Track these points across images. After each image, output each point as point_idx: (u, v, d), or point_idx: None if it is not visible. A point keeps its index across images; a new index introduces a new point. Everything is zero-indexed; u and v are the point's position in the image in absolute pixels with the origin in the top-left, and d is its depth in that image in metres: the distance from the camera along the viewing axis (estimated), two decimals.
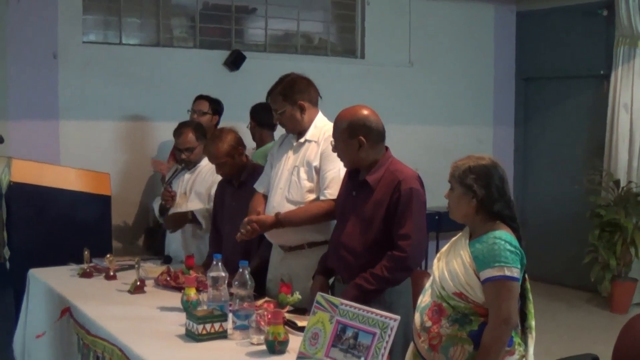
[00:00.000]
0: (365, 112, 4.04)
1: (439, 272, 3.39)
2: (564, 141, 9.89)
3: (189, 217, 5.46)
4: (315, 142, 4.54)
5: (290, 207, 4.47)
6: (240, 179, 5.07)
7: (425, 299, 3.47)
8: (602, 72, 9.34)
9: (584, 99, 9.73)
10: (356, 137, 3.97)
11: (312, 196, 4.46)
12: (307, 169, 4.50)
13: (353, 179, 4.15)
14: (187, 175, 5.64)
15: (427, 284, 3.52)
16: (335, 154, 4.14)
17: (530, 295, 3.41)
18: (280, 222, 4.39)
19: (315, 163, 4.47)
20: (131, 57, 7.54)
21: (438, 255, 3.51)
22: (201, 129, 5.66)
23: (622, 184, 8.82)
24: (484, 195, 3.29)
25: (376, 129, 4.02)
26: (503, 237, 3.25)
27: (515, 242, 3.27)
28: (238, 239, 4.45)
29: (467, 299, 3.26)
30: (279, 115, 4.56)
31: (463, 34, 9.80)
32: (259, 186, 4.80)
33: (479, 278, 3.23)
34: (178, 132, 5.63)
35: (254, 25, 8.63)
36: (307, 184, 4.48)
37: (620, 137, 9.02)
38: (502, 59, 10.25)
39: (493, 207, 3.31)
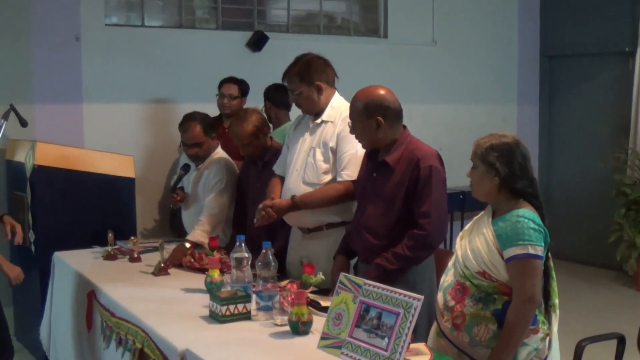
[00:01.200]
0: (381, 91, 4.02)
1: (462, 251, 3.37)
2: (589, 119, 9.81)
3: (186, 249, 5.05)
4: (332, 122, 4.52)
5: (306, 189, 4.46)
6: (265, 159, 5.06)
7: (447, 278, 3.46)
8: (627, 49, 9.24)
9: (609, 77, 9.65)
10: (374, 117, 3.95)
11: (328, 177, 4.44)
12: (323, 150, 4.48)
13: (372, 160, 4.14)
14: (194, 174, 5.52)
15: (450, 263, 3.51)
16: (353, 135, 4.12)
17: (553, 274, 3.39)
18: (297, 204, 4.39)
19: (332, 144, 4.45)
20: (153, 39, 7.55)
21: (461, 234, 3.50)
22: (208, 122, 5.50)
23: None
24: (507, 173, 3.27)
25: (393, 108, 4.00)
26: (526, 215, 3.23)
27: (538, 220, 3.25)
28: (256, 225, 4.46)
29: (490, 277, 3.25)
30: (296, 96, 4.53)
31: (486, 12, 9.73)
32: (277, 168, 4.80)
33: (502, 257, 3.21)
34: (183, 127, 5.42)
35: (276, 5, 8.61)
36: (324, 166, 4.46)
37: None
38: (526, 37, 10.17)
39: (516, 185, 3.29)
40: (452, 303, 3.34)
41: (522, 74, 10.17)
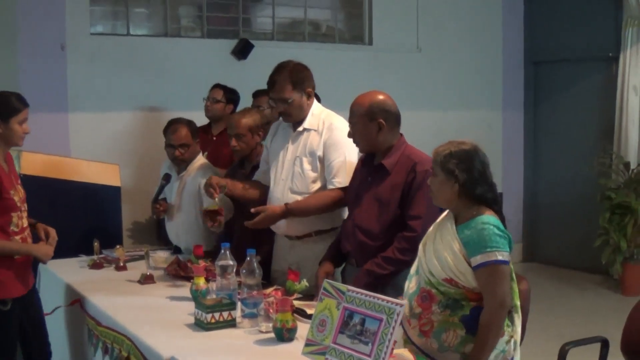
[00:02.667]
0: (382, 96, 4.11)
1: (427, 258, 3.39)
2: (573, 124, 9.84)
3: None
4: (315, 130, 4.53)
5: (295, 198, 4.48)
6: (253, 164, 5.07)
7: (412, 285, 3.48)
8: (610, 54, 9.28)
9: (593, 82, 9.69)
10: (376, 120, 4.03)
11: (316, 186, 4.48)
12: (310, 159, 4.50)
13: (367, 165, 4.20)
14: (177, 183, 5.52)
15: (413, 270, 3.53)
16: (339, 142, 4.17)
17: (514, 275, 3.42)
18: (291, 211, 4.40)
19: (319, 153, 4.47)
20: (139, 48, 7.55)
21: (423, 240, 3.51)
22: (194, 127, 5.52)
23: (632, 166, 8.79)
24: (466, 180, 3.30)
25: (394, 113, 4.10)
26: (491, 221, 3.26)
27: (501, 225, 3.29)
28: (250, 226, 4.46)
29: (457, 284, 3.28)
30: (286, 105, 4.48)
31: (471, 19, 9.76)
32: (258, 177, 4.82)
33: (469, 264, 3.25)
34: (171, 128, 5.43)
35: (261, 13, 8.62)
36: (312, 174, 4.48)
37: (630, 120, 8.99)
38: (511, 43, 10.20)
39: (475, 191, 3.32)
40: (418, 310, 3.36)
41: (507, 79, 10.21)
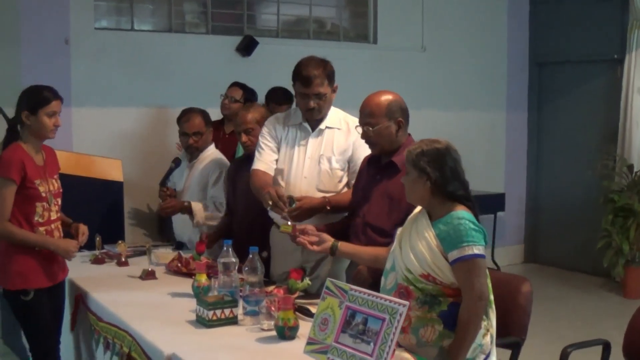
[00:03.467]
0: (396, 95, 4.11)
1: (403, 255, 3.42)
2: (577, 126, 9.83)
3: (185, 206, 5.40)
4: (339, 129, 4.54)
5: (321, 196, 4.49)
6: None
7: (389, 281, 3.50)
8: (615, 56, 9.28)
9: (597, 84, 9.68)
10: (395, 119, 4.03)
11: (342, 184, 4.51)
12: (339, 158, 4.52)
13: (374, 165, 4.20)
14: (185, 171, 5.61)
15: (388, 266, 3.54)
16: (364, 141, 4.14)
17: (487, 271, 3.43)
18: (329, 202, 4.44)
19: (349, 152, 4.50)
20: (143, 43, 7.54)
21: (398, 237, 3.53)
22: (207, 115, 5.63)
23: (636, 169, 8.78)
24: (438, 177, 3.35)
25: (407, 111, 4.12)
26: (466, 216, 3.31)
27: (475, 220, 3.34)
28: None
29: (434, 280, 3.32)
30: (319, 99, 4.46)
31: (476, 19, 9.75)
32: (260, 164, 4.64)
33: (446, 259, 3.29)
34: (185, 117, 5.56)
35: (266, 10, 8.61)
36: (340, 173, 4.51)
37: (634, 122, 8.98)
38: (516, 44, 10.20)
39: (447, 188, 3.37)
40: None
41: (511, 81, 10.20)
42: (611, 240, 8.66)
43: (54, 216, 4.43)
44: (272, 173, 4.62)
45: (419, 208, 3.54)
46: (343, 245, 4.04)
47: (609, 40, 9.38)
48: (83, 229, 4.61)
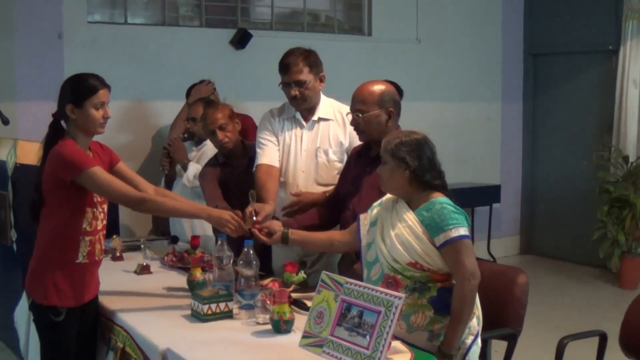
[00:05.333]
0: (388, 86, 4.13)
1: (387, 246, 3.46)
2: (572, 117, 9.82)
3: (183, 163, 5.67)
4: (333, 120, 4.54)
5: (321, 189, 4.50)
6: (241, 158, 4.99)
7: (373, 273, 3.53)
8: (610, 47, 9.26)
9: (592, 75, 9.67)
10: (386, 109, 4.04)
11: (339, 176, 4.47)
12: (336, 150, 4.53)
13: (364, 157, 4.21)
14: (193, 153, 5.66)
15: (370, 258, 3.58)
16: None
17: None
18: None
19: (346, 143, 4.50)
20: (137, 37, 7.50)
21: (377, 230, 3.56)
22: (210, 105, 5.57)
23: (631, 159, 8.76)
24: (417, 166, 3.43)
25: (399, 103, 4.12)
26: (446, 201, 3.41)
27: (454, 204, 3.42)
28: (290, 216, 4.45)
29: (422, 267, 3.37)
30: (302, 88, 4.46)
31: (471, 10, 9.73)
32: (264, 158, 4.61)
33: (433, 244, 3.34)
34: (192, 102, 5.80)
35: (259, 3, 8.57)
36: (338, 165, 4.51)
37: (630, 113, 8.97)
38: (510, 35, 10.18)
39: (424, 177, 3.45)
40: None
41: (507, 71, 10.18)
42: (607, 231, 8.67)
43: (99, 226, 3.88)
44: (277, 165, 4.61)
45: (387, 197, 3.63)
46: (294, 233, 4.03)
47: (604, 31, 9.35)
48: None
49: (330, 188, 4.47)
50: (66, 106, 3.79)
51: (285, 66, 4.49)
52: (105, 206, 3.92)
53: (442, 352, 3.29)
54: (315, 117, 4.57)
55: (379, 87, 4.07)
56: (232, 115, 4.96)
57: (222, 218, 3.83)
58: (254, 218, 3.96)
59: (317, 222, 4.29)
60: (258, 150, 4.66)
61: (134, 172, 4.13)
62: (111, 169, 3.97)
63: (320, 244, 4.07)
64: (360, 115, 4.03)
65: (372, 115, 4.02)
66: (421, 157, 3.45)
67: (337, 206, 4.28)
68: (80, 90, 3.80)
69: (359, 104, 4.05)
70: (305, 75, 4.46)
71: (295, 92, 4.47)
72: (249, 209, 4.00)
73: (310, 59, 4.50)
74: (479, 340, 3.46)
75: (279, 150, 4.64)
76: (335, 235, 4.03)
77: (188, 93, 6.68)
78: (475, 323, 3.45)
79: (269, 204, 4.20)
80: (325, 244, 4.03)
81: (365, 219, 3.73)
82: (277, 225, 4.01)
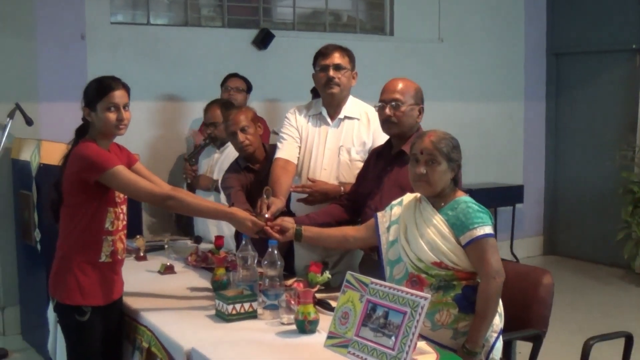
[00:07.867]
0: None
1: (411, 245, 3.48)
2: (595, 117, 9.77)
3: (212, 182, 5.62)
4: (358, 119, 4.55)
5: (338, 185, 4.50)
6: (261, 161, 4.99)
7: (397, 272, 3.56)
8: (634, 46, 9.21)
9: (616, 74, 9.60)
10: (419, 105, 4.11)
11: None
12: (359, 149, 4.55)
13: (384, 156, 4.22)
14: (216, 155, 5.66)
15: (392, 257, 3.60)
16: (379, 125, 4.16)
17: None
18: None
19: (369, 143, 4.51)
20: (159, 37, 7.52)
21: (400, 228, 3.58)
22: (229, 107, 5.57)
23: None
24: (460, 167, 3.56)
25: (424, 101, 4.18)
26: (470, 200, 3.47)
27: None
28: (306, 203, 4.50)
29: (447, 266, 3.40)
30: (340, 72, 4.51)
31: (493, 9, 9.70)
32: (282, 153, 4.64)
33: (459, 243, 3.38)
34: (207, 107, 5.76)
35: (282, 3, 8.58)
36: (359, 164, 4.50)
37: None
38: (533, 34, 10.14)
39: (457, 176, 3.57)
40: None
41: (529, 71, 10.14)
42: (631, 231, 8.61)
43: (121, 225, 3.90)
44: (295, 161, 4.63)
45: (407, 196, 3.69)
46: (307, 230, 4.03)
47: (627, 30, 9.30)
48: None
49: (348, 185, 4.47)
50: (83, 109, 3.84)
51: (326, 50, 4.56)
52: (124, 206, 3.94)
53: (466, 349, 3.31)
54: (341, 115, 4.58)
55: (412, 84, 4.12)
56: (255, 119, 4.98)
57: (246, 220, 3.82)
58: (265, 215, 3.97)
59: (329, 220, 4.29)
60: (278, 144, 4.70)
61: (151, 172, 4.15)
62: (129, 169, 3.95)
63: (333, 240, 4.08)
64: (400, 104, 4.04)
65: (408, 109, 4.05)
66: (460, 157, 3.54)
67: (355, 205, 4.29)
68: (92, 93, 3.80)
69: (397, 94, 4.06)
70: (345, 62, 4.54)
71: (333, 73, 4.50)
72: (260, 204, 4.02)
73: (350, 53, 4.60)
74: (501, 337, 3.48)
75: (299, 146, 4.66)
76: (348, 231, 4.04)
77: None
78: (498, 320, 3.47)
79: (279, 199, 4.19)
80: (339, 239, 4.04)
81: (383, 217, 3.74)
82: (289, 223, 4.00)
